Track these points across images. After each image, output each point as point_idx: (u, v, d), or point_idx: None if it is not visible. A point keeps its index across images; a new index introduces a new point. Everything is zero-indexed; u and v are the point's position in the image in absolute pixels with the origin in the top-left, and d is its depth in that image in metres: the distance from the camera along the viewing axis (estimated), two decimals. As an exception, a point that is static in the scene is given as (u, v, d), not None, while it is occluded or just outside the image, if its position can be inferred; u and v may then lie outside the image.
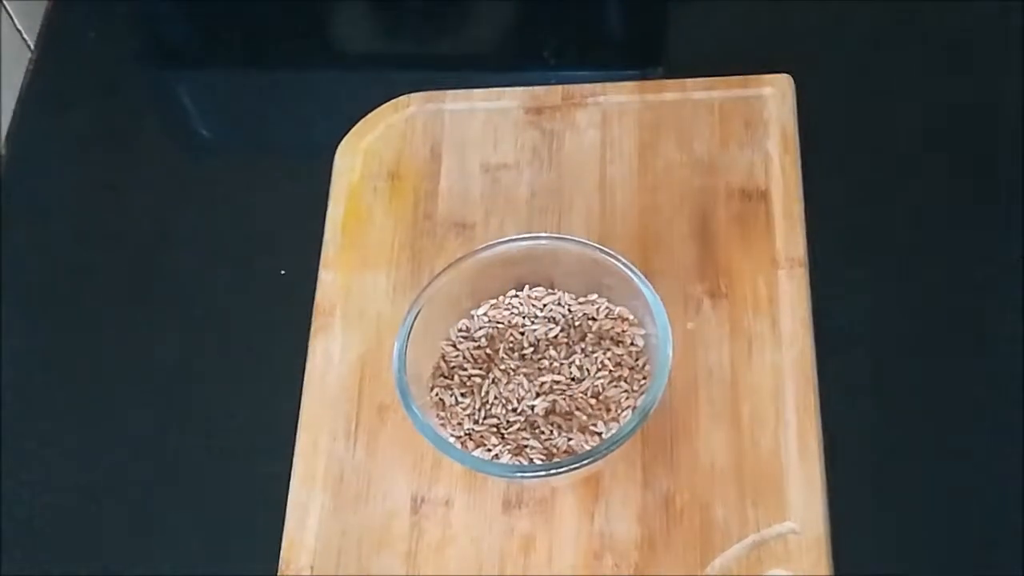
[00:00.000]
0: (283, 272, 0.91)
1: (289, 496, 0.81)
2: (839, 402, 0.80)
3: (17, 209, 0.97)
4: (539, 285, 0.83)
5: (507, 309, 0.83)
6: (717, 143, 0.90)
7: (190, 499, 0.83)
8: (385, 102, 0.95)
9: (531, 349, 0.81)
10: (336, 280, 0.88)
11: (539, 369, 0.80)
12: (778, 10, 0.98)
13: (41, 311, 0.92)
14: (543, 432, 0.78)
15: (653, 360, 0.79)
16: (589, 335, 0.81)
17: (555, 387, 0.79)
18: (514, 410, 0.79)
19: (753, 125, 0.90)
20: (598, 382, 0.79)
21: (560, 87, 0.94)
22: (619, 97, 0.93)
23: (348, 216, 0.91)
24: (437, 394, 0.80)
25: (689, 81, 0.93)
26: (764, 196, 0.87)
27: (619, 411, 0.78)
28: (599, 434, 0.77)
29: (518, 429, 0.78)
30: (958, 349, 0.83)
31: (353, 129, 0.94)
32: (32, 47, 1.05)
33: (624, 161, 0.90)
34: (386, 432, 0.82)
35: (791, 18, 0.97)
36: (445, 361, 0.82)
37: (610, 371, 0.79)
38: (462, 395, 0.80)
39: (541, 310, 0.83)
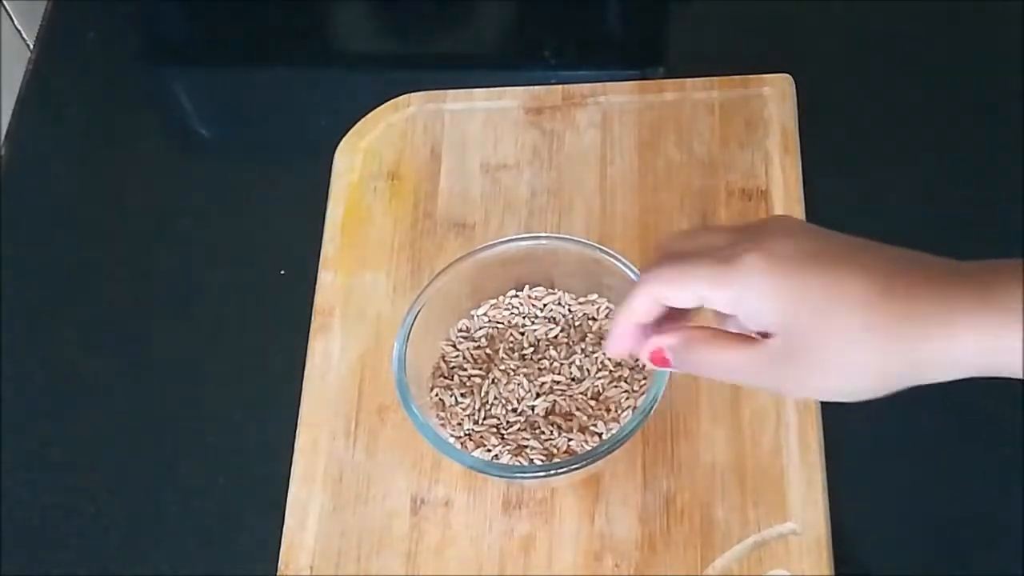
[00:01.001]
0: (283, 272, 0.91)
1: (288, 496, 0.81)
2: (839, 402, 0.80)
3: (17, 209, 0.97)
4: (539, 285, 0.83)
5: (507, 309, 0.83)
6: (717, 143, 0.90)
7: (190, 499, 0.83)
8: (385, 102, 0.95)
9: (531, 349, 0.81)
10: (336, 280, 0.88)
11: (539, 369, 0.80)
12: (778, 10, 0.98)
13: (41, 311, 0.92)
14: (543, 432, 0.78)
15: (653, 360, 0.79)
16: (589, 335, 0.81)
17: (555, 387, 0.79)
18: (514, 410, 0.79)
19: (753, 125, 0.90)
20: (598, 382, 0.79)
21: (560, 87, 0.94)
22: (619, 97, 0.93)
23: (348, 216, 0.91)
24: (437, 394, 0.80)
25: (689, 81, 0.93)
26: (764, 196, 0.87)
27: (619, 411, 0.78)
28: (599, 434, 0.77)
29: (518, 429, 0.78)
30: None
31: (353, 129, 0.94)
32: (32, 47, 1.04)
33: (624, 161, 0.90)
34: (386, 432, 0.82)
35: (791, 18, 0.97)
36: (445, 361, 0.82)
37: (610, 371, 0.79)
38: (462, 395, 0.80)
39: (541, 310, 0.83)
